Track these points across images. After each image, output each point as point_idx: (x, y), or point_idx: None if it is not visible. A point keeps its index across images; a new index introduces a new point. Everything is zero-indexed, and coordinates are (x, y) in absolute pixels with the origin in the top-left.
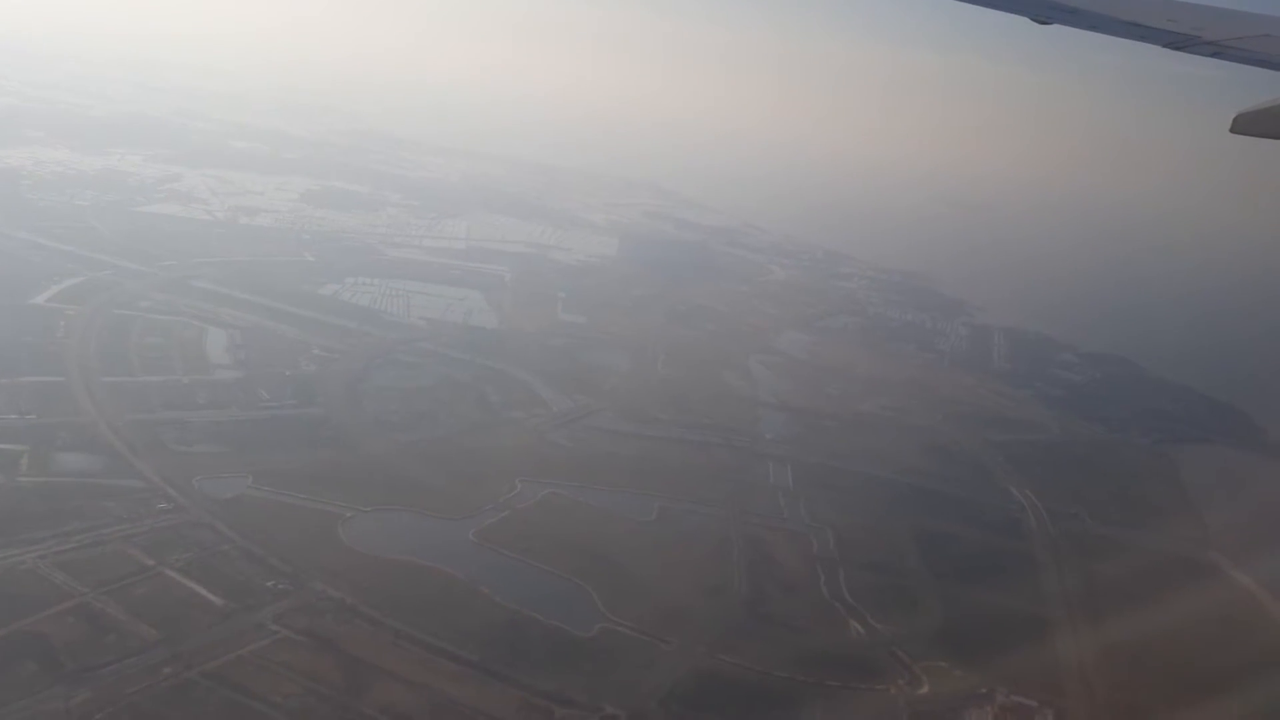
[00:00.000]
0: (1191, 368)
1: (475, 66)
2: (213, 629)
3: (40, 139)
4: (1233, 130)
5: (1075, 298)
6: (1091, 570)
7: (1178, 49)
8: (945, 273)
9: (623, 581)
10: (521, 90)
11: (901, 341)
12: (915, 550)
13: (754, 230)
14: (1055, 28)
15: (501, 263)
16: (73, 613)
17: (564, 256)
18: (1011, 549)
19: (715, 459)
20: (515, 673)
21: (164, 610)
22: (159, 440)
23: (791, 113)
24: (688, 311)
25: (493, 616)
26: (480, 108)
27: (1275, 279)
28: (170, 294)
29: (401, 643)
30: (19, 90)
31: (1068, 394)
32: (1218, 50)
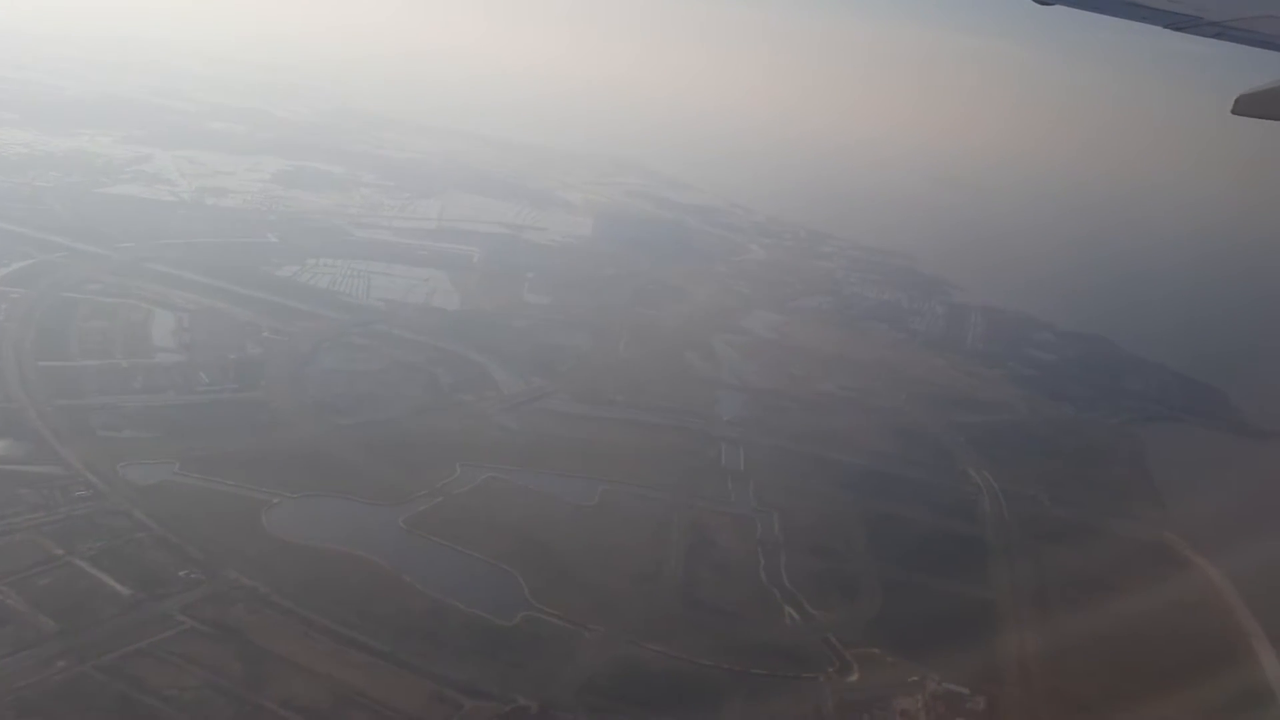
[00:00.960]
0: (1172, 347)
1: (466, 42)
2: (115, 620)
3: (12, 120)
4: (1234, 111)
5: (1061, 277)
6: (1042, 554)
7: (1179, 30)
8: (930, 252)
9: (554, 568)
10: (513, 66)
11: (874, 321)
12: (862, 534)
13: (738, 210)
14: (1057, 8)
15: (471, 243)
16: None
17: (537, 236)
18: (962, 533)
19: (667, 441)
20: (428, 663)
21: (67, 601)
22: (87, 426)
23: (787, 90)
24: (658, 292)
25: (412, 605)
26: (470, 85)
27: (1269, 260)
28: (122, 276)
29: (312, 633)
30: None
31: (1040, 373)
32: (1220, 31)
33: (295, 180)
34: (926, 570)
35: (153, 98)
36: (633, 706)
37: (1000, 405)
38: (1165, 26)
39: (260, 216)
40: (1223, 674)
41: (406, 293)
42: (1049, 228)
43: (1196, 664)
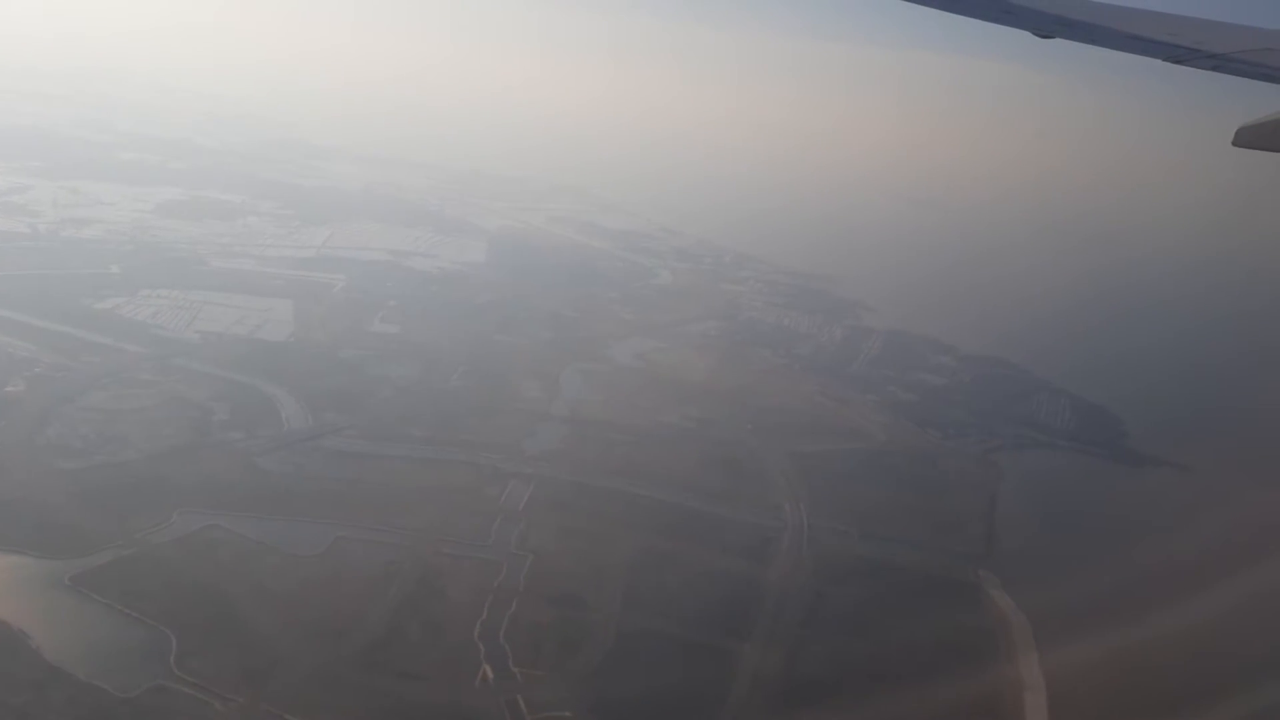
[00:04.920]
0: (1087, 373)
1: (436, 70)
2: None
3: None
4: (1235, 144)
5: (995, 301)
6: (823, 597)
7: (1179, 62)
8: (862, 275)
9: (224, 628)
10: (480, 94)
11: (759, 346)
12: (623, 579)
13: (665, 234)
14: (1056, 41)
15: (343, 271)
16: None
17: (423, 263)
18: (742, 574)
19: (448, 480)
20: None
21: None
22: None
23: (771, 115)
24: (528, 320)
25: (21, 675)
26: (431, 114)
27: (1235, 292)
28: None
29: None
30: None
31: (920, 399)
32: (1219, 64)
33: (180, 210)
34: (678, 618)
35: (71, 128)
36: None
37: (856, 433)
38: (1165, 59)
39: (115, 247)
40: None
41: (233, 324)
42: (1009, 252)
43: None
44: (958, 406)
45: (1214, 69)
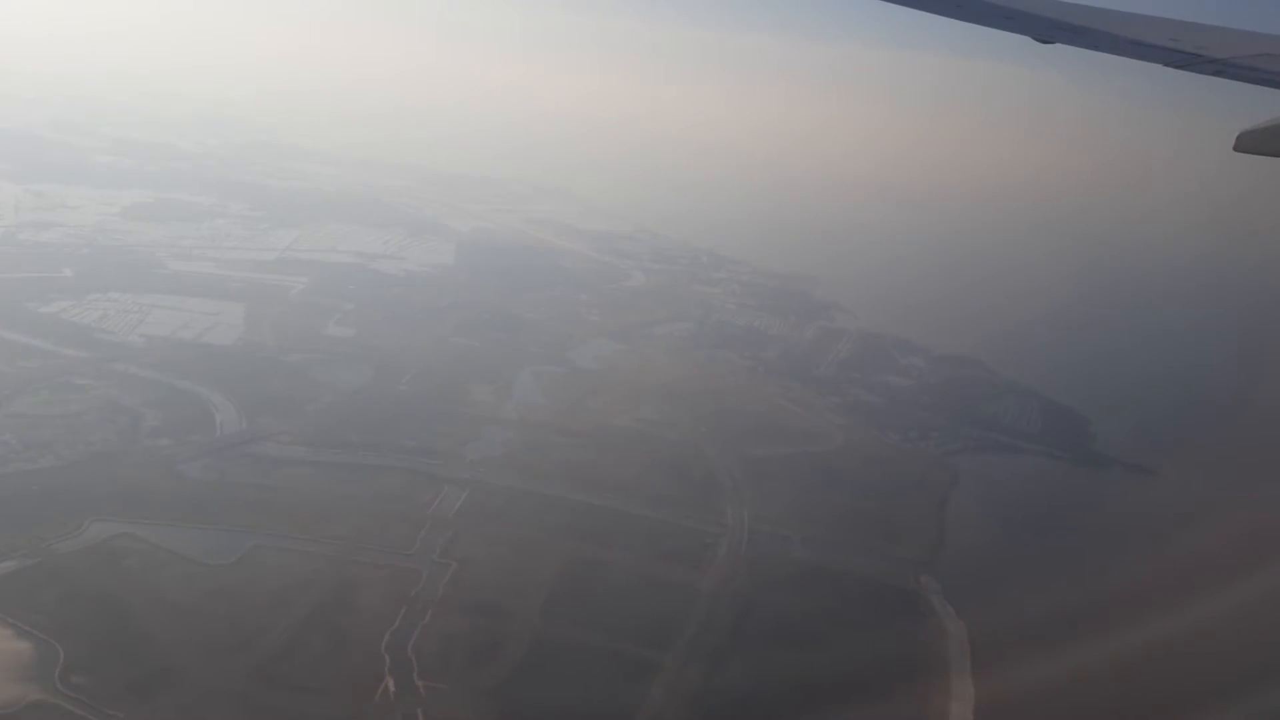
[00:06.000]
0: (1059, 375)
1: (421, 72)
2: None
3: None
4: (1236, 149)
5: (976, 303)
6: (753, 604)
7: (1180, 68)
8: (842, 276)
9: (119, 641)
10: (480, 96)
11: (726, 348)
12: (547, 587)
13: (645, 236)
14: (1058, 46)
15: (304, 273)
16: None
17: (389, 266)
18: (672, 580)
19: (380, 486)
20: None
21: None
22: None
23: (784, 118)
24: (490, 322)
25: None
26: (428, 116)
27: (1225, 295)
28: None
29: None
30: None
31: (884, 401)
32: (1220, 69)
33: (146, 213)
34: (600, 628)
35: (52, 132)
36: None
37: (811, 436)
38: (1166, 65)
39: (73, 250)
40: None
41: (180, 328)
42: (1000, 256)
43: None
44: (922, 409)
45: (1215, 74)
